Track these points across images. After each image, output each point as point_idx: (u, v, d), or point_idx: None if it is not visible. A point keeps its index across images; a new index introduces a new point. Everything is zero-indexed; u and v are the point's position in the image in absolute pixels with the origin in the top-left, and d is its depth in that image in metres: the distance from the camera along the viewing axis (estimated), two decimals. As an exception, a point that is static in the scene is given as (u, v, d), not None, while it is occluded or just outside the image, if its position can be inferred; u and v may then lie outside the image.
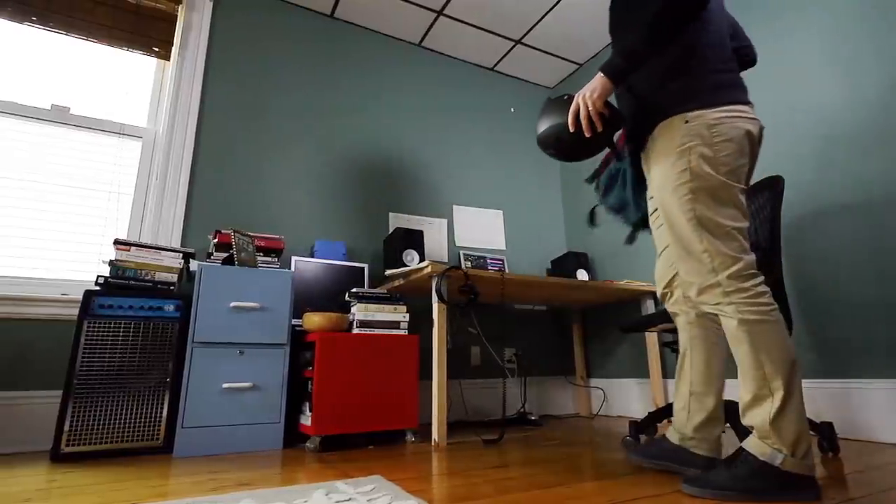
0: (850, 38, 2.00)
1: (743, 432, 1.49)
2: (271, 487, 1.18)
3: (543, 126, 1.33)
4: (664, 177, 1.22)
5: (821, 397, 1.91)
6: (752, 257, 1.15)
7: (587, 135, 1.24)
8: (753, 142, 1.21)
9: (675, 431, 1.32)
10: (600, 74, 1.22)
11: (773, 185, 1.74)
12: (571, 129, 1.25)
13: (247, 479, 1.30)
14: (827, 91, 2.06)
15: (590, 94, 1.22)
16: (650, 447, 1.35)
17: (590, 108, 1.22)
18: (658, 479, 1.23)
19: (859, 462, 1.42)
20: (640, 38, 1.17)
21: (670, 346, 1.91)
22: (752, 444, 1.08)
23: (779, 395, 1.06)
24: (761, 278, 1.14)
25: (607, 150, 1.40)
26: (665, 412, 1.80)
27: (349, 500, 1.03)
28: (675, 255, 1.23)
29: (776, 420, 1.05)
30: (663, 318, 1.70)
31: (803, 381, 1.98)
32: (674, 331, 1.82)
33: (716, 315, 1.21)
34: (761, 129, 1.24)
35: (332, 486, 1.16)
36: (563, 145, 1.31)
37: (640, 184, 1.44)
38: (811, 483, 1.03)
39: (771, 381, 1.07)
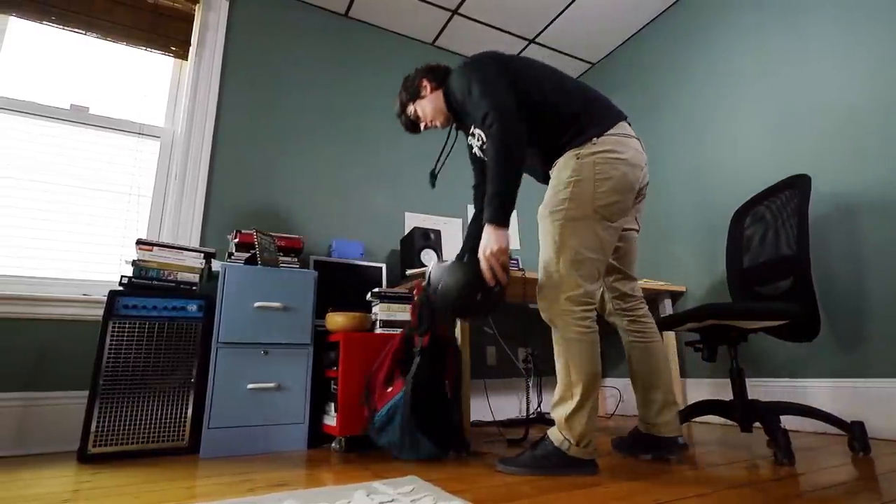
0: (874, 35, 2.00)
1: (768, 432, 1.48)
2: (307, 488, 1.17)
3: (454, 288, 1.34)
4: (548, 200, 1.38)
5: (850, 397, 1.90)
6: (593, 287, 1.33)
7: (503, 284, 1.35)
8: (630, 185, 1.36)
9: (641, 423, 1.54)
10: (492, 227, 1.31)
11: (797, 184, 1.74)
12: (492, 284, 1.33)
13: (280, 479, 1.29)
14: (851, 89, 2.05)
15: (497, 249, 1.31)
16: (628, 439, 1.58)
17: (500, 261, 1.32)
18: (699, 479, 1.22)
19: (892, 462, 1.41)
20: (504, 182, 1.30)
21: (693, 346, 1.91)
22: (552, 433, 1.32)
23: (576, 399, 1.28)
24: (591, 306, 1.33)
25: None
26: (694, 411, 1.78)
27: (392, 500, 1.03)
28: (539, 267, 1.39)
29: (570, 418, 1.28)
30: (690, 317, 1.69)
31: (829, 380, 1.97)
32: (698, 330, 1.81)
33: (643, 320, 1.57)
34: (643, 170, 1.41)
35: (371, 486, 1.16)
36: (481, 301, 1.36)
37: (415, 425, 1.48)
38: (591, 463, 1.30)
39: (571, 387, 1.29)
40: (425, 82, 1.65)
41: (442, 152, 1.76)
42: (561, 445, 1.29)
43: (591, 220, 1.32)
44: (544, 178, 1.52)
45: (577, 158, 1.34)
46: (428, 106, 1.64)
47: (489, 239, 1.31)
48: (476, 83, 1.40)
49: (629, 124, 1.44)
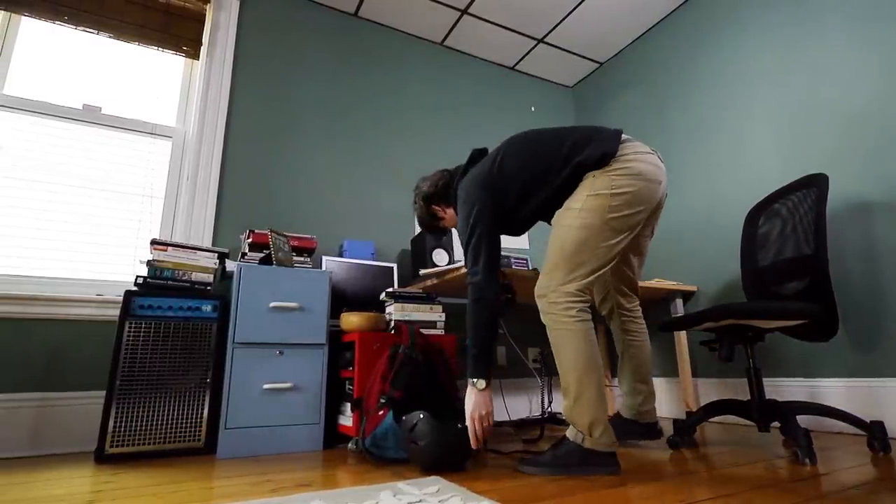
0: (886, 34, 1.99)
1: (788, 432, 1.48)
2: (331, 489, 1.17)
3: (434, 446, 1.33)
4: (564, 208, 1.44)
5: (867, 396, 1.90)
6: (582, 284, 1.37)
7: (483, 440, 1.40)
8: (645, 199, 1.40)
9: (627, 410, 1.75)
10: (475, 389, 1.40)
11: (814, 183, 1.73)
12: (475, 447, 1.39)
13: (302, 479, 1.29)
14: (863, 89, 2.05)
15: (484, 412, 1.39)
16: (618, 429, 1.64)
17: (485, 425, 1.39)
18: (723, 479, 1.22)
19: (914, 461, 1.41)
20: (479, 342, 1.42)
21: (708, 345, 1.90)
22: (568, 430, 1.35)
23: (572, 391, 1.32)
24: (580, 299, 1.36)
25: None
26: (711, 410, 1.78)
27: (420, 501, 1.02)
28: (543, 268, 1.44)
29: (572, 409, 1.32)
30: (707, 316, 1.68)
31: (844, 379, 1.97)
32: (714, 330, 1.81)
33: (639, 321, 1.76)
34: (661, 184, 1.44)
35: (395, 487, 1.15)
36: (463, 454, 1.38)
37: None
38: (611, 458, 1.30)
39: (566, 378, 1.33)
40: (434, 209, 1.78)
41: None
42: (576, 439, 1.31)
43: (600, 230, 1.37)
44: None
45: (594, 177, 1.40)
46: (450, 221, 1.80)
47: (474, 403, 1.39)
48: (464, 235, 1.52)
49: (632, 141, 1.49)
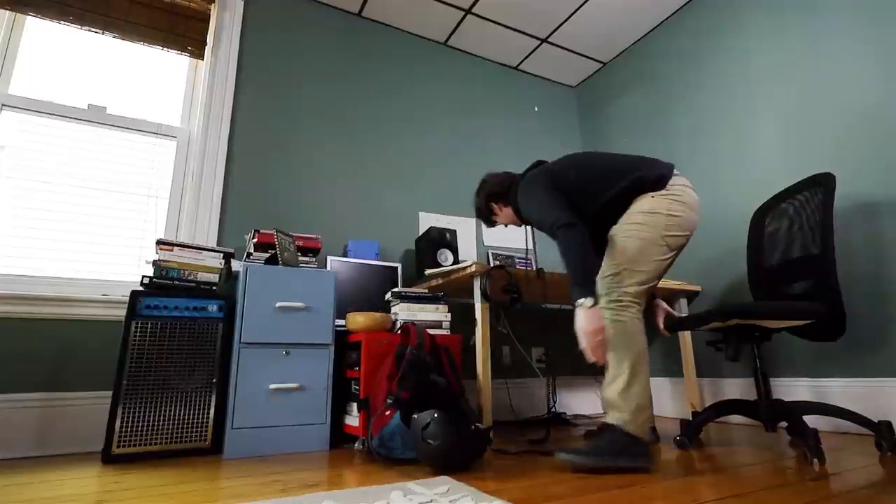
0: (892, 33, 1.99)
1: (796, 432, 1.48)
2: (340, 489, 1.17)
3: (446, 444, 1.32)
4: (621, 223, 1.55)
5: (876, 396, 1.89)
6: (639, 290, 1.48)
7: (599, 362, 1.44)
8: (690, 226, 1.55)
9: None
10: (583, 309, 1.42)
11: (821, 182, 1.73)
12: (595, 359, 1.43)
13: (310, 479, 1.28)
14: (868, 88, 2.04)
15: (597, 327, 1.42)
16: None
17: (599, 339, 1.42)
18: (732, 479, 1.22)
19: (922, 461, 1.41)
20: (576, 271, 1.46)
21: (714, 345, 1.90)
22: (609, 416, 1.41)
23: (625, 375, 1.39)
24: (636, 301, 1.47)
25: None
26: (718, 410, 1.78)
27: (431, 501, 1.02)
28: (604, 268, 1.54)
29: (622, 392, 1.38)
30: (713, 316, 1.68)
31: (849, 379, 1.97)
32: (721, 329, 1.81)
33: None
34: (697, 215, 1.57)
35: (405, 487, 1.15)
36: (474, 455, 1.39)
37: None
38: (645, 450, 1.35)
39: (621, 365, 1.41)
40: (493, 205, 1.94)
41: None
42: (618, 422, 1.36)
43: (656, 244, 1.49)
44: None
45: (652, 198, 1.53)
46: (503, 218, 1.97)
47: (585, 319, 1.42)
48: (535, 207, 1.64)
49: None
